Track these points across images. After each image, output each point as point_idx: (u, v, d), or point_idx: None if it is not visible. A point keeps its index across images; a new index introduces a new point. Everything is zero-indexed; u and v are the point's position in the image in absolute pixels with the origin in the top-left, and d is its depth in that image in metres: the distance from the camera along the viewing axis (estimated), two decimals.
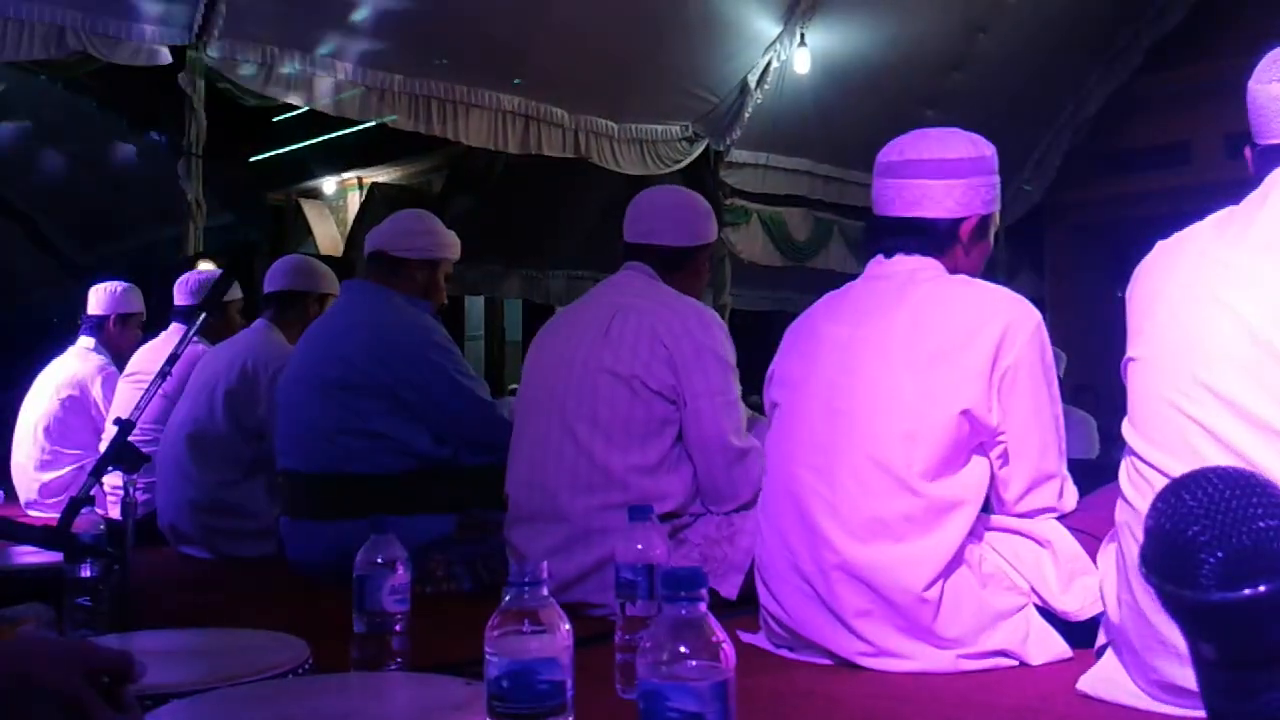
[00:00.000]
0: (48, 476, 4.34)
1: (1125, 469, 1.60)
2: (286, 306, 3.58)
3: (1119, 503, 1.61)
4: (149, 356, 4.04)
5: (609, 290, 2.54)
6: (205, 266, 4.79)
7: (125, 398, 3.95)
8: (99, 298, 4.55)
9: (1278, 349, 1.42)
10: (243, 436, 3.42)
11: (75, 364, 4.47)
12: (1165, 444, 1.50)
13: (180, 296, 4.08)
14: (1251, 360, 1.44)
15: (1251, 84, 1.59)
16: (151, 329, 4.29)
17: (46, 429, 4.37)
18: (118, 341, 4.53)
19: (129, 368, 4.14)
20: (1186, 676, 1.41)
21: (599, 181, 7.78)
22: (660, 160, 7.53)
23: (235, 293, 4.04)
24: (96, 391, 4.37)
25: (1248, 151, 1.62)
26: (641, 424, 2.33)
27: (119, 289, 4.56)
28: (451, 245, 3.10)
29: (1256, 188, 1.57)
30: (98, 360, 4.45)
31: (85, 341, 4.52)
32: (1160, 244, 1.64)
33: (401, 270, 3.00)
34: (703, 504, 2.42)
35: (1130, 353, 1.62)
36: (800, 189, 8.53)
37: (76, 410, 4.38)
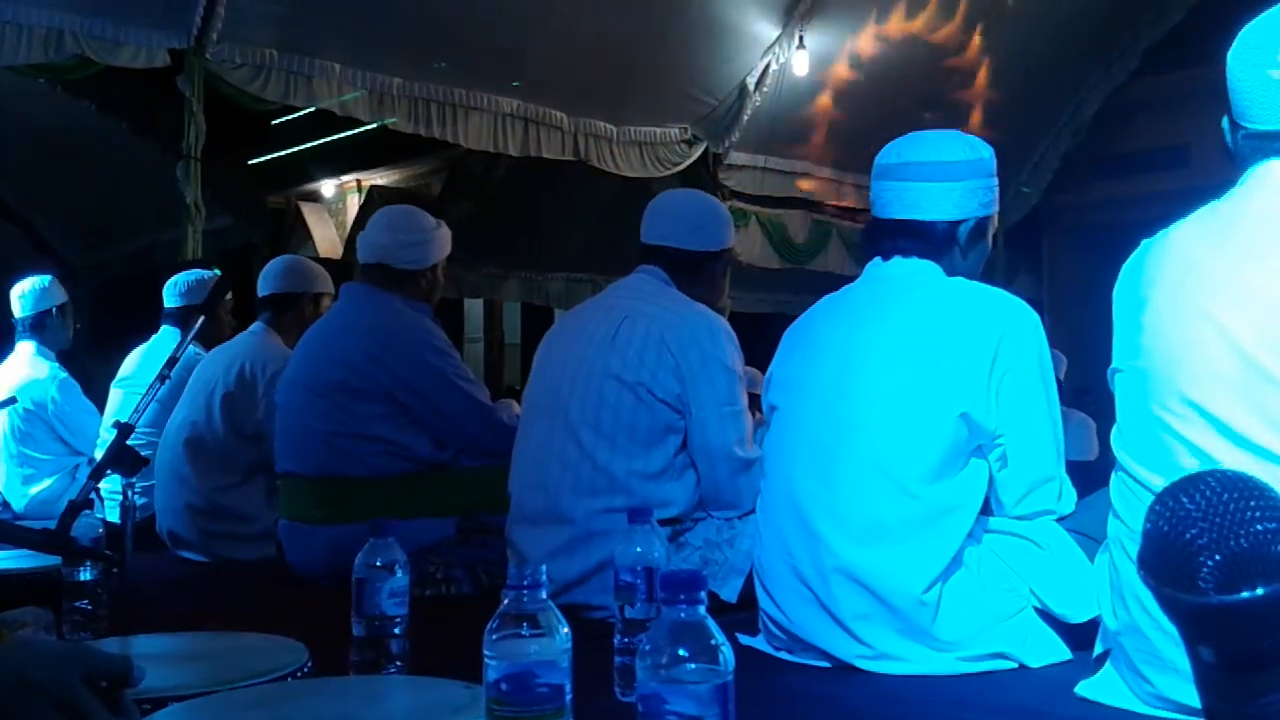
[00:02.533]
0: (33, 489, 4.24)
1: (1115, 484, 1.58)
2: (282, 309, 3.56)
3: (1110, 517, 1.60)
4: (141, 360, 4.02)
5: (619, 294, 2.52)
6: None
7: (119, 402, 3.93)
8: (26, 298, 4.28)
9: (1265, 368, 1.40)
10: (240, 440, 3.41)
11: (25, 372, 4.25)
12: (1155, 462, 1.48)
13: (169, 298, 4.05)
14: (1240, 380, 1.41)
15: (1234, 62, 1.53)
16: (147, 333, 4.26)
17: (17, 441, 4.23)
18: (59, 335, 4.32)
19: (121, 371, 4.11)
20: (1184, 691, 1.41)
21: (598, 184, 7.78)
22: (659, 163, 7.54)
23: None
24: (53, 401, 4.20)
25: (1226, 123, 1.58)
26: (645, 430, 2.31)
27: (41, 283, 4.31)
28: (448, 241, 3.10)
29: (1238, 173, 1.54)
30: (46, 367, 4.26)
31: (25, 346, 4.28)
32: (1145, 244, 1.61)
33: (406, 279, 3.00)
34: (704, 509, 2.41)
35: (1116, 363, 1.60)
36: (799, 191, 8.53)
37: (34, 421, 4.21)
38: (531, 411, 2.50)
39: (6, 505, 4.44)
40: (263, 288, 3.60)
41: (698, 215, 2.57)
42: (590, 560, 2.28)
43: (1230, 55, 1.54)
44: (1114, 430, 1.60)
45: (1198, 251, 1.52)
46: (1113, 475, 1.60)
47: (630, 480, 2.29)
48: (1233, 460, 1.39)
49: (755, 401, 2.48)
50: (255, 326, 3.60)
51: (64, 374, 4.29)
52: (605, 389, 2.33)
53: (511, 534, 2.46)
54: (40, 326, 4.29)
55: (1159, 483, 1.43)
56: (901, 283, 1.94)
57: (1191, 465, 1.42)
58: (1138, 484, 1.51)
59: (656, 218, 2.55)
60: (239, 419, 3.40)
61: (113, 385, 4.14)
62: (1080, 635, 1.82)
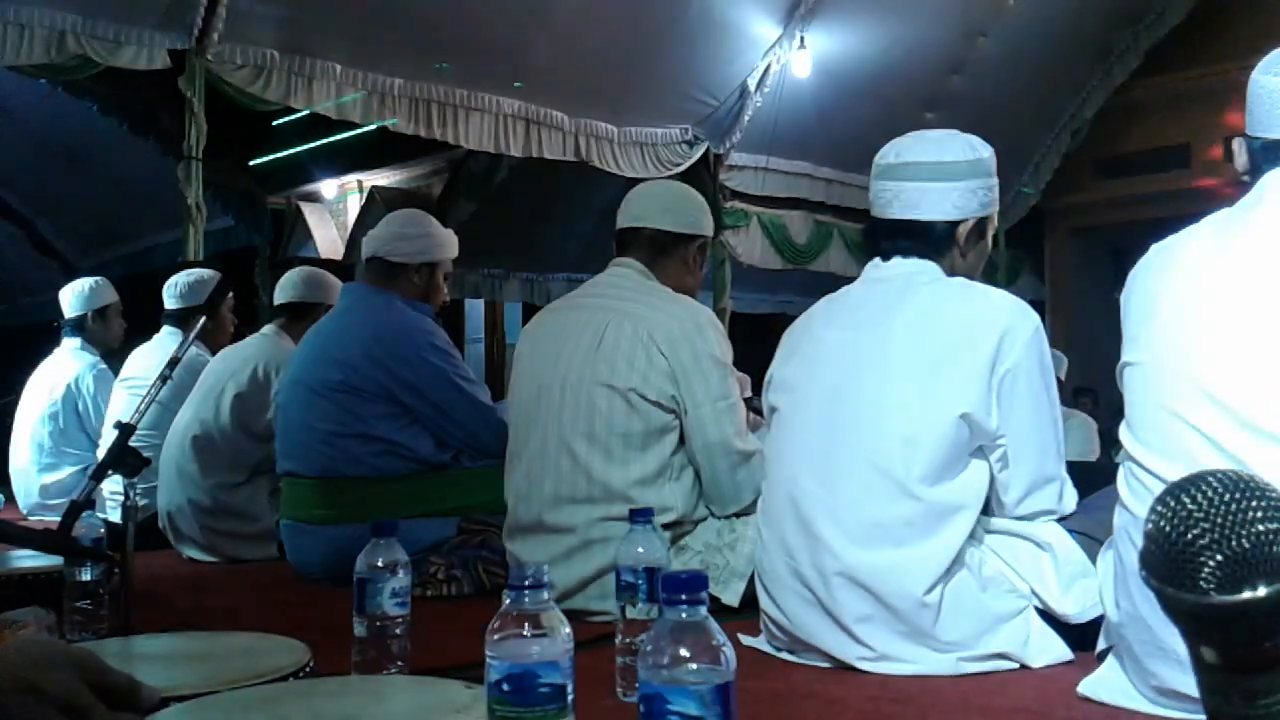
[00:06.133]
0: (49, 479, 4.37)
1: (1123, 475, 1.59)
2: (298, 317, 3.62)
3: (1117, 508, 1.61)
4: (143, 361, 4.04)
5: (599, 293, 2.46)
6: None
7: (122, 402, 3.95)
8: (70, 299, 4.58)
9: (1275, 358, 1.42)
10: (249, 440, 3.44)
11: (66, 364, 4.50)
12: (1164, 451, 1.50)
13: (169, 299, 4.08)
14: (1250, 369, 1.44)
15: (1260, 75, 1.57)
16: (148, 333, 4.29)
17: (47, 431, 4.40)
18: (102, 335, 4.57)
19: (123, 372, 4.14)
20: (1186, 682, 1.42)
21: (599, 184, 7.79)
22: (660, 163, 7.54)
23: None
24: (87, 389, 4.40)
25: (1238, 145, 1.61)
26: (640, 436, 2.29)
27: (88, 285, 4.61)
28: (449, 245, 3.10)
29: (1252, 183, 1.57)
30: (88, 359, 4.49)
31: (70, 342, 4.56)
32: (1155, 246, 1.63)
33: (400, 275, 3.00)
34: (705, 506, 2.41)
35: (1127, 357, 1.61)
36: (800, 192, 8.53)
37: (69, 411, 4.43)
38: (522, 419, 2.44)
39: (11, 499, 4.51)
40: (280, 295, 3.66)
41: (671, 198, 2.56)
42: (589, 567, 2.27)
43: (1258, 69, 1.58)
44: (1123, 423, 1.61)
45: (1209, 252, 1.54)
46: (1120, 468, 1.60)
47: (628, 489, 2.27)
48: (1244, 448, 1.41)
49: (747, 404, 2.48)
50: (268, 328, 3.64)
51: (102, 366, 4.47)
52: (596, 397, 2.30)
53: (510, 543, 2.45)
54: (81, 327, 4.57)
55: (1169, 472, 1.45)
56: (901, 283, 1.94)
57: (1202, 454, 1.44)
58: (1148, 473, 1.52)
59: (630, 203, 2.55)
60: (249, 419, 3.43)
61: (114, 385, 4.17)
62: (1082, 635, 1.82)
